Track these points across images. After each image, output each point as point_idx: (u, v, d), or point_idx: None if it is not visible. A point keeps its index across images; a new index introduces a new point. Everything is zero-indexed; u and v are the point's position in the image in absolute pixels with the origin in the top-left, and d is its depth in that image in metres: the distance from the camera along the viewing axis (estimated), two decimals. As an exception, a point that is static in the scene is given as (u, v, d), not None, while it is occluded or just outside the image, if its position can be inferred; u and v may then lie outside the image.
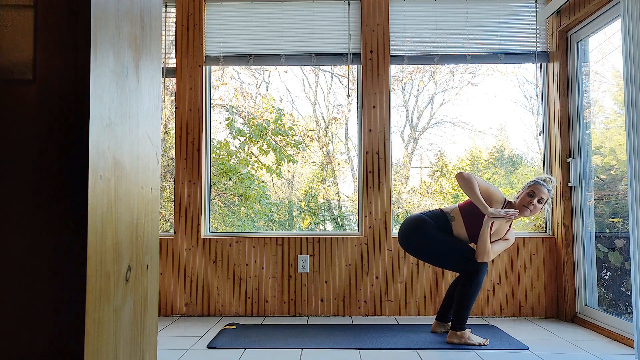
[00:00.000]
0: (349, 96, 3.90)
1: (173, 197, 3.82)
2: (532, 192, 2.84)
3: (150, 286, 0.97)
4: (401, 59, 3.75)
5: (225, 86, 4.92)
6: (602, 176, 3.36)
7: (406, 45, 3.76)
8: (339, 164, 4.98)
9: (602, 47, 3.39)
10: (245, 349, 2.74)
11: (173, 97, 3.96)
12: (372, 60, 3.71)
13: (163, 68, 3.80)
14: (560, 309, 3.50)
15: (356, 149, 3.86)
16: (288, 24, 3.78)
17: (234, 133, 4.71)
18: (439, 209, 3.00)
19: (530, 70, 4.14)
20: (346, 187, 5.06)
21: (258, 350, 2.71)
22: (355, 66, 3.81)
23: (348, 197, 4.97)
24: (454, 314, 2.84)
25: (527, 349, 2.74)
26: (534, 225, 3.89)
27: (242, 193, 4.75)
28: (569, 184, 3.47)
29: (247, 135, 4.77)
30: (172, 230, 3.77)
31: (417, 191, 5.01)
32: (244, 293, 3.62)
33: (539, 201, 2.83)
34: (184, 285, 3.63)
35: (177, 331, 3.18)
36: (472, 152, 5.01)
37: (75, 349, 0.66)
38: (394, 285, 3.59)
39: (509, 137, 4.87)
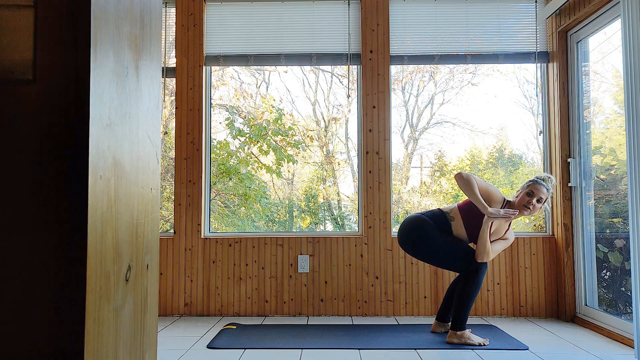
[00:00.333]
0: (349, 96, 3.90)
1: (173, 197, 3.82)
2: (531, 191, 2.83)
3: (150, 286, 0.97)
4: (401, 59, 3.75)
5: (225, 86, 4.92)
6: (602, 176, 3.36)
7: (406, 45, 3.76)
8: (339, 164, 4.98)
9: (602, 47, 3.39)
10: (245, 349, 2.74)
11: (173, 97, 3.96)
12: (372, 60, 3.71)
13: (163, 68, 3.80)
14: (560, 309, 3.50)
15: (356, 149, 3.86)
16: (288, 24, 3.78)
17: (234, 133, 4.71)
18: (438, 209, 3.00)
19: (530, 70, 4.14)
20: (346, 187, 5.06)
21: (258, 350, 2.71)
22: (355, 66, 3.81)
23: (348, 197, 4.97)
24: (453, 314, 2.84)
25: (527, 349, 2.74)
26: (534, 225, 3.89)
27: (242, 193, 4.75)
28: (569, 184, 3.47)
29: (247, 135, 4.77)
30: (172, 230, 3.77)
31: (417, 191, 5.01)
32: (244, 293, 3.62)
33: (538, 201, 2.82)
34: (184, 285, 3.63)
35: (177, 331, 3.18)
36: (472, 152, 5.01)
37: (75, 349, 0.66)
38: (394, 285, 3.59)
39: (509, 137, 4.87)
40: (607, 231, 3.28)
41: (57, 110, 0.67)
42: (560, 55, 3.55)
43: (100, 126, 0.71)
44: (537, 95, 3.81)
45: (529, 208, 2.82)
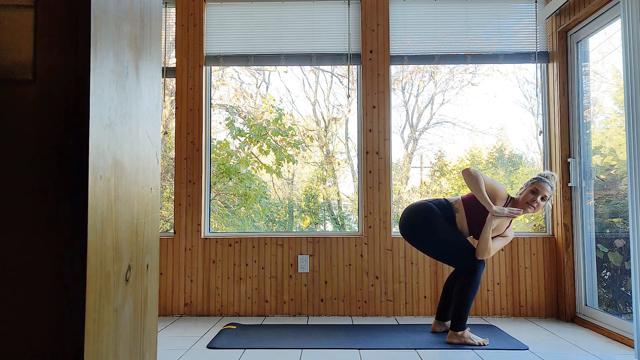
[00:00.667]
0: (349, 96, 3.90)
1: (173, 197, 3.82)
2: (535, 189, 2.81)
3: (150, 286, 0.97)
4: (401, 59, 3.75)
5: (225, 86, 4.92)
6: (602, 176, 3.36)
7: (406, 45, 3.76)
8: (339, 164, 4.98)
9: (602, 47, 3.39)
10: (245, 349, 2.74)
11: (173, 97, 3.96)
12: (372, 60, 3.71)
13: (163, 68, 3.80)
14: (560, 309, 3.50)
15: (356, 149, 3.86)
16: (288, 24, 3.78)
17: (234, 133, 4.71)
18: (444, 198, 2.97)
19: (530, 70, 4.14)
20: (346, 187, 5.06)
21: (258, 350, 2.71)
22: (355, 66, 3.81)
23: (348, 197, 4.97)
24: (453, 314, 2.84)
25: (527, 349, 2.74)
26: (534, 225, 3.89)
27: (242, 193, 4.75)
28: (569, 184, 3.47)
29: (247, 135, 4.77)
30: (172, 230, 3.77)
31: (417, 191, 5.01)
32: (244, 293, 3.62)
33: (542, 198, 2.80)
34: (184, 285, 3.63)
35: (177, 331, 3.18)
36: (472, 152, 5.01)
37: (75, 349, 0.66)
38: (394, 285, 3.59)
39: (509, 137, 4.87)
40: (607, 231, 3.28)
41: (57, 110, 0.67)
42: (560, 55, 3.55)
43: (100, 126, 0.71)
44: (537, 95, 3.81)
45: (533, 206, 2.80)
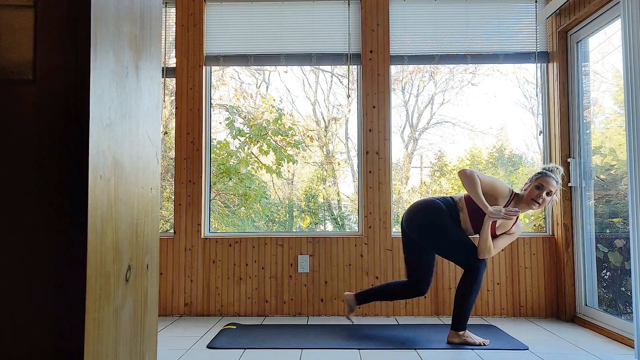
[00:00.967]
0: (349, 96, 3.90)
1: (173, 197, 3.82)
2: (540, 184, 2.75)
3: (150, 286, 0.97)
4: (401, 59, 3.75)
5: (225, 86, 4.92)
6: (602, 176, 3.36)
7: (406, 45, 3.76)
8: (339, 164, 4.98)
9: (602, 47, 3.39)
10: (245, 349, 2.74)
11: (173, 97, 3.96)
12: (372, 60, 3.71)
13: (163, 68, 3.80)
14: (560, 309, 3.50)
15: (356, 149, 3.86)
16: (288, 24, 3.78)
17: (234, 133, 4.71)
18: (450, 197, 2.95)
19: (530, 70, 4.14)
20: (346, 187, 5.06)
21: (258, 350, 2.71)
22: (355, 66, 3.81)
23: (348, 197, 4.97)
24: (454, 313, 2.83)
25: (527, 349, 2.74)
26: (534, 225, 3.89)
27: (242, 193, 4.75)
28: (569, 184, 3.47)
29: (247, 135, 4.77)
30: (172, 230, 3.77)
31: (417, 191, 5.01)
32: (244, 293, 3.62)
33: (547, 194, 2.74)
34: (184, 285, 3.63)
35: (177, 331, 3.18)
36: (472, 152, 5.01)
37: (75, 349, 0.66)
38: (394, 285, 3.58)
39: (509, 137, 4.87)
40: (607, 231, 3.28)
41: (57, 110, 0.67)
42: (560, 55, 3.55)
43: (100, 126, 0.71)
44: (537, 95, 3.81)
45: (539, 202, 2.74)
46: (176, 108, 3.73)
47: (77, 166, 0.67)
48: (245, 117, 4.96)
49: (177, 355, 2.64)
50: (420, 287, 2.97)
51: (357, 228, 3.82)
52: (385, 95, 3.70)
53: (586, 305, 3.35)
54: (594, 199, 3.36)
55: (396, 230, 3.72)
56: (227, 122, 4.72)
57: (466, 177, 2.79)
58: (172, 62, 3.80)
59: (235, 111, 4.94)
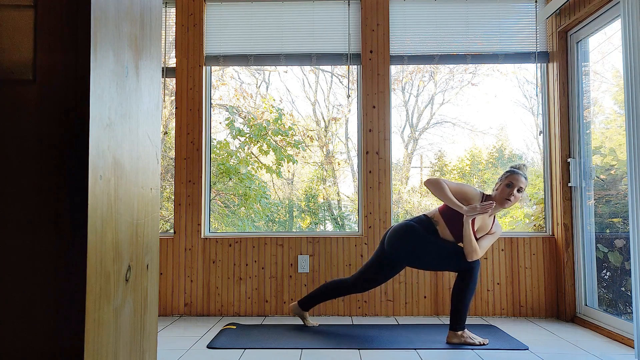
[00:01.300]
0: (349, 96, 3.90)
1: (173, 197, 3.82)
2: (510, 182, 2.83)
3: (150, 286, 0.97)
4: (401, 59, 3.75)
5: (225, 86, 4.93)
6: (602, 176, 3.36)
7: (406, 45, 3.76)
8: (339, 164, 4.99)
9: (602, 47, 3.39)
10: (245, 349, 2.74)
11: (173, 97, 3.96)
12: (372, 60, 3.71)
13: (163, 68, 3.80)
14: (560, 309, 3.51)
15: (356, 149, 3.86)
16: (288, 24, 3.78)
17: (234, 133, 4.72)
18: (423, 214, 3.00)
19: (530, 70, 4.14)
20: (346, 187, 5.06)
21: (258, 350, 2.71)
22: (355, 66, 3.81)
23: (348, 197, 4.97)
24: (452, 314, 2.84)
25: (527, 349, 2.74)
26: (534, 226, 3.89)
27: (242, 193, 4.75)
28: (569, 184, 3.47)
29: (247, 135, 4.77)
30: (172, 230, 3.77)
31: (417, 191, 5.01)
32: (244, 293, 3.62)
33: (518, 190, 2.82)
34: (184, 285, 3.63)
35: (177, 331, 3.18)
36: (472, 152, 5.01)
37: (75, 349, 0.66)
38: (394, 285, 3.59)
39: (509, 137, 4.87)
40: (607, 231, 3.28)
41: (57, 110, 0.67)
42: (560, 55, 3.55)
43: (100, 126, 0.71)
44: (537, 95, 3.81)
45: (511, 200, 2.81)
46: (176, 108, 3.73)
47: (77, 166, 0.67)
48: (245, 117, 4.96)
49: (177, 355, 2.64)
50: (368, 287, 3.08)
51: (357, 228, 3.82)
52: (385, 95, 3.70)
53: (586, 305, 3.35)
54: (594, 199, 3.36)
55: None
56: (227, 122, 4.72)
57: (432, 185, 2.86)
58: (172, 62, 3.80)
59: (235, 111, 4.95)
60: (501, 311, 3.57)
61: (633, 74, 2.59)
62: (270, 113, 4.80)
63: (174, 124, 3.78)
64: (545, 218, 3.72)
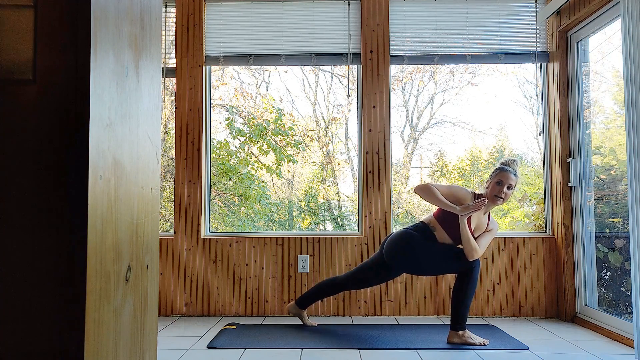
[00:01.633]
0: (349, 96, 3.90)
1: (173, 197, 3.82)
2: (500, 180, 2.85)
3: (150, 286, 0.97)
4: (401, 59, 3.75)
5: (225, 86, 4.93)
6: (602, 176, 3.36)
7: (406, 45, 3.76)
8: (339, 164, 4.99)
9: (602, 47, 3.39)
10: (245, 349, 2.74)
11: (173, 97, 3.96)
12: (372, 60, 3.71)
13: (163, 68, 3.79)
14: (560, 309, 3.50)
15: (356, 149, 3.86)
16: (288, 24, 3.78)
17: (234, 133, 4.72)
18: (420, 221, 3.00)
19: (530, 70, 4.14)
20: (346, 187, 5.06)
21: (258, 350, 2.71)
22: (355, 66, 3.81)
23: (348, 197, 4.97)
24: (452, 313, 2.84)
25: (527, 349, 2.74)
26: (534, 225, 3.89)
27: (242, 193, 4.75)
28: (569, 184, 3.47)
29: (247, 135, 4.77)
30: (172, 230, 3.77)
31: (417, 191, 5.00)
32: (244, 293, 3.62)
33: (508, 187, 2.84)
34: (184, 285, 3.63)
35: (177, 331, 3.18)
36: (472, 152, 5.01)
37: (75, 349, 0.66)
38: (394, 285, 3.59)
39: (509, 137, 4.87)
40: (607, 231, 3.28)
41: (57, 110, 0.67)
42: (560, 55, 3.55)
43: (100, 126, 0.71)
44: (537, 95, 3.81)
45: (502, 197, 2.83)
46: (176, 108, 3.73)
47: (77, 166, 0.67)
48: (245, 117, 4.96)
49: (177, 355, 2.64)
50: (361, 287, 3.14)
51: (357, 228, 3.82)
52: (385, 95, 3.70)
53: (586, 305, 3.35)
54: (594, 199, 3.36)
55: (397, 230, 3.72)
56: (227, 122, 4.72)
57: (422, 190, 2.89)
58: (172, 62, 3.80)
59: (235, 111, 4.95)
60: (501, 311, 3.57)
61: (633, 74, 2.59)
62: (270, 113, 4.80)
63: (174, 124, 3.78)
64: (545, 218, 3.72)
